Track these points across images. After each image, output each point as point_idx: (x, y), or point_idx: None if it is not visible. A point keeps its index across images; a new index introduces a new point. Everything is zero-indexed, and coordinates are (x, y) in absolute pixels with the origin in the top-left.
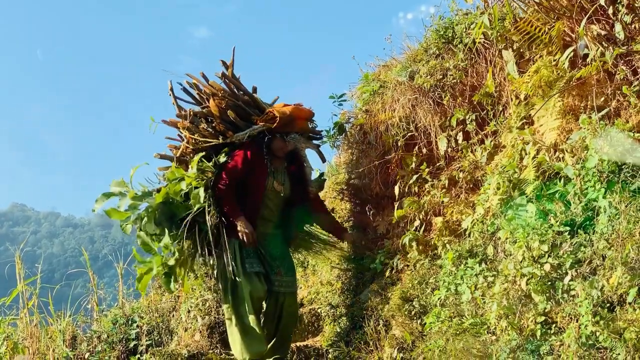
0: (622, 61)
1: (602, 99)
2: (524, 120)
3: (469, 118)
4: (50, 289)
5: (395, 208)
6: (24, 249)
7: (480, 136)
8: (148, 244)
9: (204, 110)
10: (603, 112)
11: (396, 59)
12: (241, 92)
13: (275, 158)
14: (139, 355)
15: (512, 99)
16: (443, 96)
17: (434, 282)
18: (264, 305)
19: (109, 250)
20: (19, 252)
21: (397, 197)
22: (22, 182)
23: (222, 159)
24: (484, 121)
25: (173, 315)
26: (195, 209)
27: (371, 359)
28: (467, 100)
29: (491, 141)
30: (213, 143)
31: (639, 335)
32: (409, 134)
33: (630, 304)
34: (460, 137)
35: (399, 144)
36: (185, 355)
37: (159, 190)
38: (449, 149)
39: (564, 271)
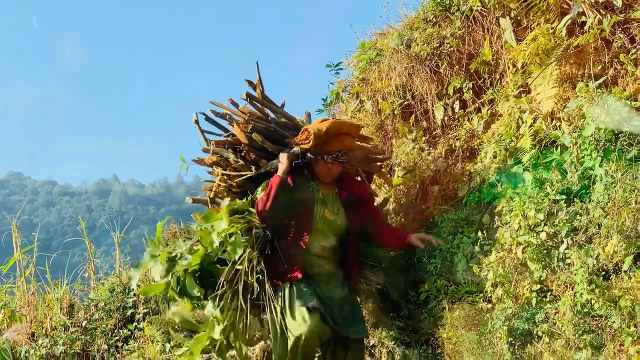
0: (620, 29)
1: (600, 67)
2: (521, 89)
3: (465, 86)
4: (47, 257)
5: (394, 176)
6: (20, 217)
7: (477, 104)
8: (189, 321)
9: (229, 139)
10: (600, 81)
11: (393, 27)
12: (274, 113)
13: (323, 184)
14: (136, 323)
15: (509, 67)
16: (440, 64)
17: (430, 250)
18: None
19: (106, 219)
20: (16, 220)
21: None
22: (19, 150)
23: (260, 194)
24: (481, 89)
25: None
26: (233, 260)
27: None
28: (464, 69)
29: (488, 109)
30: (247, 175)
31: (634, 303)
32: (406, 102)
33: (625, 272)
34: (457, 105)
35: (396, 113)
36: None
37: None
38: (446, 118)
39: (559, 239)
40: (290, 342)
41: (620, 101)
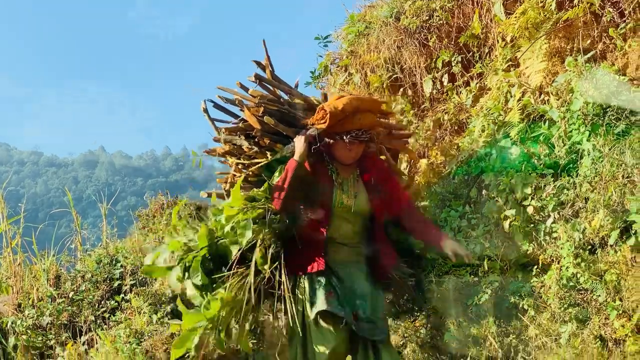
0: (609, 3)
1: (589, 41)
2: (510, 63)
3: (454, 60)
4: (34, 228)
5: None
6: (6, 188)
7: (465, 78)
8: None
9: (241, 125)
10: (589, 55)
11: None
12: (287, 94)
13: (343, 166)
14: (123, 295)
15: (498, 41)
16: (429, 37)
17: None
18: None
19: (92, 190)
20: (2, 191)
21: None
22: (6, 120)
23: (276, 179)
24: (470, 63)
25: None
26: (243, 245)
27: None
28: (453, 42)
29: (476, 83)
30: (263, 162)
31: (619, 277)
32: (394, 75)
33: (611, 246)
34: (445, 79)
35: (384, 86)
36: (169, 295)
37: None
38: (434, 91)
39: (546, 214)
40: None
41: (609, 75)
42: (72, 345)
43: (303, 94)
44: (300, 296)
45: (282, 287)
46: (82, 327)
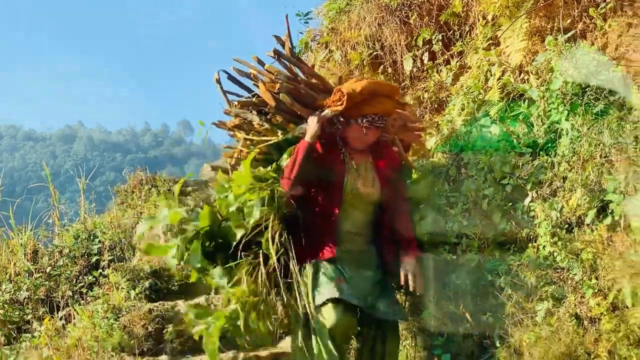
0: None
1: (569, 20)
2: (490, 41)
3: (435, 38)
4: (11, 202)
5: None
6: None
7: (446, 56)
8: (204, 311)
9: (254, 100)
10: (569, 34)
11: None
12: (304, 74)
13: (356, 152)
14: (101, 270)
15: (479, 20)
16: (410, 15)
17: None
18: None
19: (71, 165)
20: None
21: None
22: None
23: (285, 161)
24: (450, 41)
25: (135, 232)
26: (249, 227)
27: None
28: (433, 20)
29: (457, 62)
30: (273, 140)
31: (595, 256)
32: (375, 53)
33: (588, 225)
34: (426, 57)
35: (365, 63)
36: (148, 271)
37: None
38: (415, 69)
39: (524, 192)
40: (314, 337)
41: (589, 55)
42: (49, 320)
43: (320, 75)
44: (303, 285)
45: (290, 275)
46: (59, 302)
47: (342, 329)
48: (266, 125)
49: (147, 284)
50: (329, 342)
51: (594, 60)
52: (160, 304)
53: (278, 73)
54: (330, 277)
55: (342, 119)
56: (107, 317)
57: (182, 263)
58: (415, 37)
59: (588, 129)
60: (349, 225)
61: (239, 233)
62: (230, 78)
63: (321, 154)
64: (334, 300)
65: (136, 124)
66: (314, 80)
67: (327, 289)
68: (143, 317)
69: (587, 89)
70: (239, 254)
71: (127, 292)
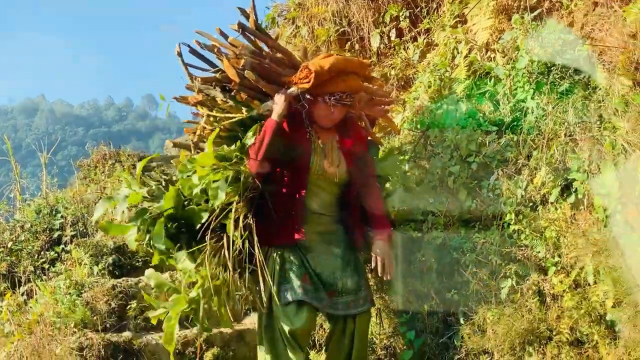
0: None
1: None
2: (457, 19)
3: (402, 15)
4: None
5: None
6: None
7: (413, 33)
8: (164, 283)
9: (218, 76)
10: (535, 13)
11: None
12: (269, 48)
13: (322, 130)
14: (63, 246)
15: None
16: None
17: None
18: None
19: (32, 139)
20: None
21: None
22: None
23: (250, 139)
24: (418, 18)
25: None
26: (216, 210)
27: None
28: None
29: (424, 39)
30: (237, 118)
31: (558, 234)
32: (342, 29)
33: (552, 203)
34: (393, 34)
35: (332, 39)
36: (111, 247)
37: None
38: (382, 46)
39: (490, 170)
40: (276, 334)
41: (554, 34)
42: (10, 296)
43: (286, 49)
44: (269, 272)
45: (254, 260)
46: (21, 277)
47: (305, 331)
48: (230, 102)
49: (110, 259)
50: (291, 338)
51: (559, 39)
52: (123, 280)
53: (243, 47)
54: (295, 274)
55: (309, 97)
56: (70, 293)
57: (143, 244)
58: (382, 14)
59: (553, 107)
60: (315, 206)
61: (204, 216)
62: (192, 51)
63: (287, 133)
64: (297, 302)
65: (99, 98)
66: (279, 55)
67: (292, 290)
68: (106, 293)
69: (552, 68)
70: (204, 237)
71: (90, 268)
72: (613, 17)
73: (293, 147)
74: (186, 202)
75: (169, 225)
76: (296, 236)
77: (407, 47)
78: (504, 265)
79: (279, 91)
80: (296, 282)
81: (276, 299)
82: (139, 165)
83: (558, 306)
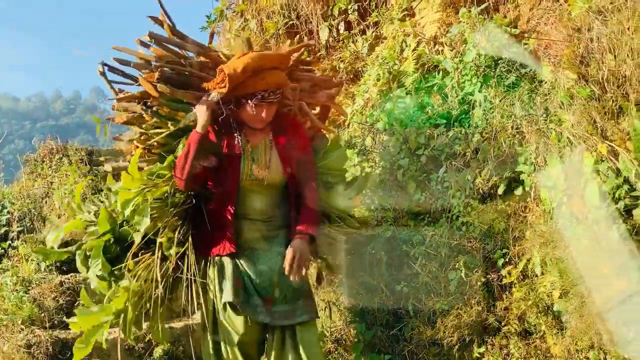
0: None
1: None
2: (406, 12)
3: (351, 8)
4: None
5: None
6: None
7: (361, 26)
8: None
9: (136, 94)
10: (482, 7)
11: None
12: (192, 52)
13: (254, 132)
14: (9, 242)
15: None
16: None
17: None
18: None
19: None
20: None
21: None
22: None
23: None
24: (366, 12)
25: (46, 202)
26: (142, 233)
27: None
28: None
29: (372, 32)
30: (165, 133)
31: (507, 226)
32: (291, 22)
33: (500, 196)
34: (342, 27)
35: (280, 32)
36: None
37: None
38: (330, 39)
39: (439, 163)
40: (218, 342)
41: (501, 28)
42: None
43: (213, 50)
44: (210, 282)
45: (190, 273)
46: None
47: (247, 339)
48: (155, 118)
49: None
50: (237, 349)
51: (506, 32)
52: (71, 276)
53: (158, 58)
54: (228, 277)
55: (231, 101)
56: (17, 290)
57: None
58: (331, 7)
59: (500, 100)
60: (250, 213)
61: (137, 237)
62: (112, 70)
63: (215, 142)
64: (232, 307)
65: (46, 91)
66: (202, 59)
67: (225, 291)
68: (54, 289)
69: (499, 61)
70: (138, 254)
71: (37, 264)
72: (558, 11)
73: (223, 155)
74: (123, 222)
75: (111, 250)
76: (228, 249)
77: (356, 40)
78: (453, 258)
79: (201, 100)
80: (228, 285)
81: (218, 307)
82: (76, 193)
83: (506, 297)
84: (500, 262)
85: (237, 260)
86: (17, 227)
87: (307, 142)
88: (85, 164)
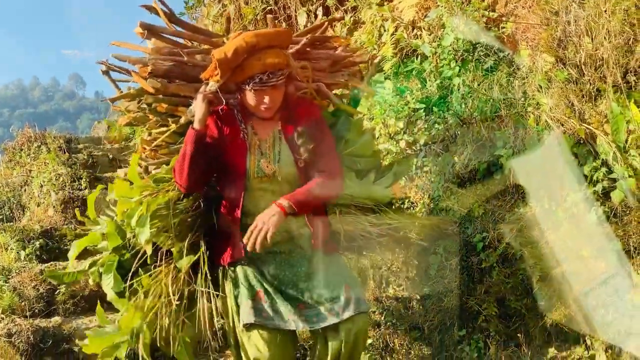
0: None
1: None
2: None
3: None
4: None
5: None
6: None
7: (340, 11)
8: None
9: (132, 92)
10: None
11: None
12: (190, 43)
13: (262, 123)
14: None
15: None
16: None
17: None
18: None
19: None
20: None
21: None
22: None
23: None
24: None
25: (25, 190)
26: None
27: None
28: None
29: (351, 17)
30: (169, 131)
31: (486, 210)
32: (269, 7)
33: (479, 179)
34: (320, 11)
35: (258, 18)
36: (38, 231)
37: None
38: (309, 24)
39: (418, 148)
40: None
41: (479, 12)
42: None
43: (217, 35)
44: (227, 295)
45: (204, 285)
46: None
47: (279, 356)
48: (156, 117)
49: (37, 244)
50: None
51: (484, 16)
52: (52, 264)
53: (152, 51)
54: (246, 294)
55: (231, 88)
56: None
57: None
58: None
59: (479, 84)
60: (258, 212)
61: (149, 248)
62: (110, 68)
63: (217, 137)
64: (256, 326)
65: (24, 78)
66: (204, 46)
67: (245, 310)
68: (34, 278)
69: (477, 45)
70: (152, 266)
71: (17, 252)
72: None
73: (227, 150)
74: (132, 236)
75: (126, 264)
76: (238, 253)
77: (334, 25)
78: (433, 241)
79: (199, 91)
80: (246, 304)
81: (238, 329)
82: (89, 202)
83: (486, 281)
84: (480, 245)
85: (254, 268)
86: None
87: (324, 129)
88: (64, 152)
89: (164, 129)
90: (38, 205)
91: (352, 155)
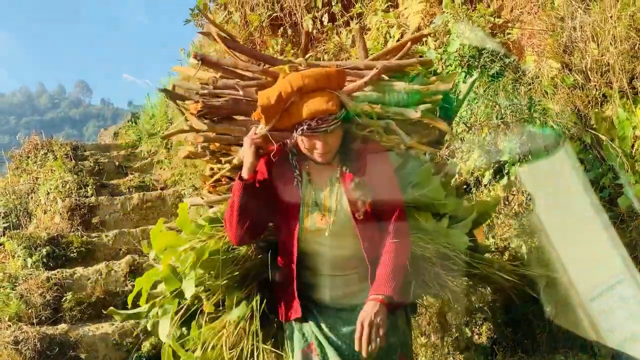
0: None
1: None
2: (389, 3)
3: None
4: None
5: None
6: None
7: (345, 18)
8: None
9: (185, 127)
10: None
11: None
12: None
13: (318, 169)
14: None
15: None
16: None
17: None
18: None
19: None
20: None
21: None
22: None
23: None
24: (350, 3)
25: (31, 197)
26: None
27: None
28: None
29: (356, 23)
30: (226, 169)
31: (492, 215)
32: (274, 14)
33: (485, 185)
34: (325, 18)
35: (264, 25)
36: (45, 238)
37: None
38: (315, 31)
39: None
40: None
41: (484, 18)
42: None
43: (277, 62)
44: (290, 349)
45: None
46: None
47: None
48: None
49: (44, 251)
50: None
51: (489, 22)
52: (58, 271)
53: (204, 84)
54: (301, 342)
55: (283, 132)
56: (3, 286)
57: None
58: None
59: (484, 90)
60: (320, 268)
61: (189, 291)
62: (174, 96)
63: (269, 182)
64: None
65: (30, 85)
66: (268, 78)
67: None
68: (41, 285)
69: (483, 51)
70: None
71: (24, 260)
72: (541, 0)
73: (279, 199)
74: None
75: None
76: (295, 312)
77: (340, 32)
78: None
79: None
80: (298, 354)
81: None
82: (152, 238)
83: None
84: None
85: (313, 321)
86: (3, 223)
87: (389, 178)
88: (71, 159)
89: (224, 166)
90: (45, 213)
91: (423, 200)
